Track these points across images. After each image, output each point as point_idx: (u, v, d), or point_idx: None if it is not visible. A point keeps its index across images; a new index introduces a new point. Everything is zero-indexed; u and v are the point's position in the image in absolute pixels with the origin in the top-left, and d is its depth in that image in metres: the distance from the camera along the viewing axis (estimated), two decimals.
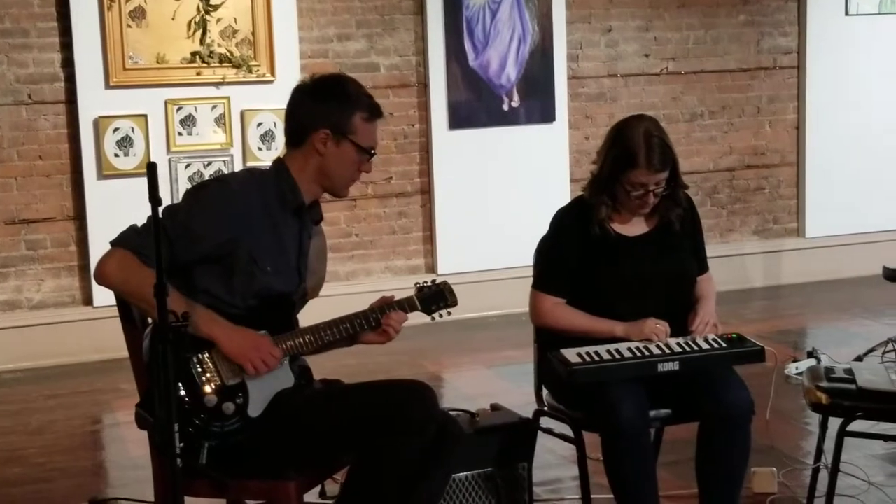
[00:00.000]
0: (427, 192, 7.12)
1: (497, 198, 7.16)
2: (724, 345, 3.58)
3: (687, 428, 3.61)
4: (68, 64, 6.39)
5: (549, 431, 3.82)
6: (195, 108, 6.54)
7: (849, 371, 3.71)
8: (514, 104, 7.14)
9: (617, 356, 3.49)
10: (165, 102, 6.48)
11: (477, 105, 7.06)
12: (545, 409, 3.80)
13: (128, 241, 3.00)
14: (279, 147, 6.70)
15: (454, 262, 7.09)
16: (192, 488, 3.10)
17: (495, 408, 3.91)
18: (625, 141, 3.59)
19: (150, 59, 6.46)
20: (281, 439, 3.04)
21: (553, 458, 4.49)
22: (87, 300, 6.54)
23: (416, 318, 3.36)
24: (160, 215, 3.02)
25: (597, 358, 3.48)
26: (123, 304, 3.20)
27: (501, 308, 6.93)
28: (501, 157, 7.16)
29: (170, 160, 6.53)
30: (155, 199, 2.57)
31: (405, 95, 7.02)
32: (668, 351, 3.52)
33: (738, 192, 7.87)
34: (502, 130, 7.14)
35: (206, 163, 6.56)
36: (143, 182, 6.75)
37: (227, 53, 6.57)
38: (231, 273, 3.06)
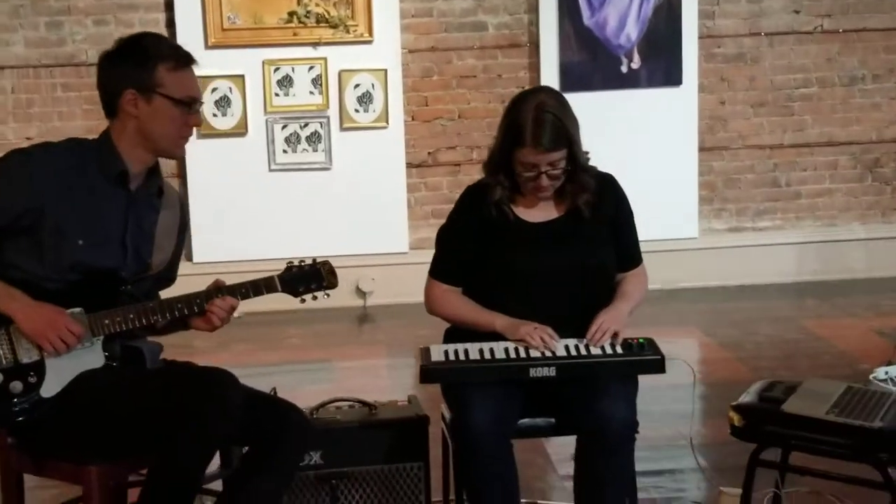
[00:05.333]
0: None
1: (614, 167, 6.54)
2: (618, 351, 3.11)
3: None
4: (171, 24, 6.48)
5: None
6: (292, 68, 6.48)
7: (790, 389, 3.14)
8: (634, 66, 6.61)
9: (487, 357, 3.11)
10: (263, 63, 6.47)
11: (592, 66, 6.58)
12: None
13: None
14: (377, 110, 6.53)
15: None
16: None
17: (411, 400, 3.61)
18: (514, 115, 3.19)
19: (247, 20, 6.45)
20: (77, 422, 2.90)
21: None
22: None
23: None
24: None
25: (461, 357, 3.12)
26: None
27: None
28: (619, 123, 6.62)
29: (266, 121, 6.51)
30: None
31: (515, 56, 6.65)
32: (548, 354, 3.09)
33: None
34: (620, 94, 6.62)
35: (302, 124, 6.49)
36: (241, 142, 6.71)
37: (324, 13, 6.45)
38: (40, 246, 2.94)
